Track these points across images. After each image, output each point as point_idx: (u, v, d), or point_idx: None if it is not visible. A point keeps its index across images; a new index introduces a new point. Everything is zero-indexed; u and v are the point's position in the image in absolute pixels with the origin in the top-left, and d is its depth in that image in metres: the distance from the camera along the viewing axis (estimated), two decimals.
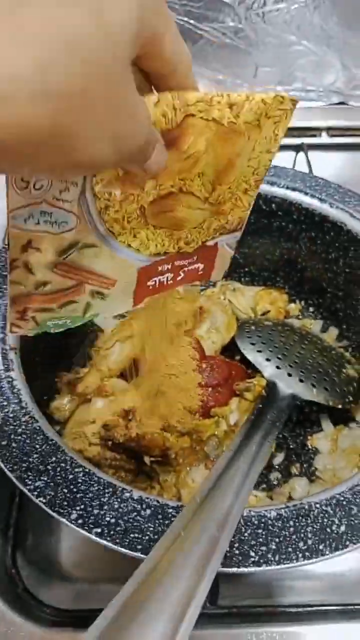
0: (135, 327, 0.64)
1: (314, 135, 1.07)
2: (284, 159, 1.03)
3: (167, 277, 0.46)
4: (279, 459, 0.62)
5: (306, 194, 0.67)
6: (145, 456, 0.55)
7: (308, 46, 1.02)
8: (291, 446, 0.64)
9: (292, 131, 1.05)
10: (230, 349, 0.67)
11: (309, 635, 0.53)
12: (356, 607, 0.56)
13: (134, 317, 0.66)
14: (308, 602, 0.57)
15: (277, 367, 0.61)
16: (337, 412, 0.65)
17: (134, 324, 0.65)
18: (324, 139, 1.07)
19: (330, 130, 1.07)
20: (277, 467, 0.62)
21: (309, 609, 0.56)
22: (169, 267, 0.45)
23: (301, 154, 1.00)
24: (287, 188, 0.67)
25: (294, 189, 0.67)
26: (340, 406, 0.60)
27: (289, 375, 0.60)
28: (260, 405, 0.55)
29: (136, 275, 0.43)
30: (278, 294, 0.74)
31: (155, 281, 0.45)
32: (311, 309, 0.75)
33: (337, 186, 0.67)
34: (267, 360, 0.61)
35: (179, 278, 0.47)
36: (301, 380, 0.60)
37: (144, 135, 0.29)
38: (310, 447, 0.64)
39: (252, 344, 0.64)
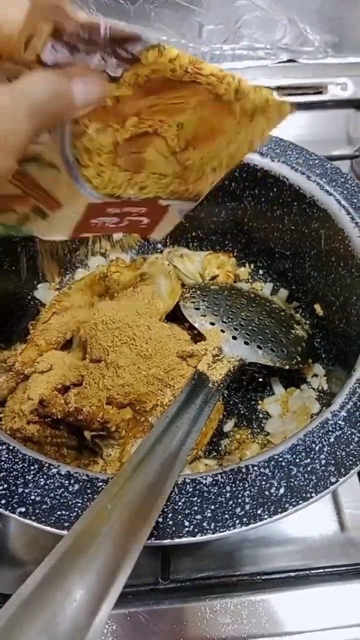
0: (74, 297, 0.61)
1: None
2: None
3: (112, 221, 0.46)
4: (229, 425, 0.61)
5: None
6: (85, 431, 0.53)
7: (253, 1, 0.98)
8: (242, 412, 0.62)
9: None
10: (177, 316, 0.64)
11: (267, 603, 0.52)
12: (313, 570, 0.55)
13: (73, 289, 0.63)
14: (270, 569, 0.56)
15: (222, 331, 0.58)
16: (289, 375, 0.63)
17: (72, 294, 0.61)
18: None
19: (280, 89, 1.04)
20: (227, 433, 0.60)
21: (266, 576, 0.54)
22: (118, 212, 0.45)
23: None
24: None
25: None
26: (287, 367, 0.58)
27: (234, 338, 0.58)
28: (200, 370, 0.53)
29: (84, 209, 0.43)
30: (226, 257, 0.72)
31: (100, 221, 0.45)
32: (261, 272, 0.73)
33: (278, 139, 0.65)
34: (211, 324, 0.59)
35: (121, 224, 0.47)
36: (246, 343, 0.57)
37: None
38: (261, 411, 0.62)
39: (197, 308, 0.61)
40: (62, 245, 0.70)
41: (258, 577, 0.54)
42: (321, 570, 0.55)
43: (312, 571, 0.55)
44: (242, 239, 0.72)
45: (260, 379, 0.64)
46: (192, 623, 0.51)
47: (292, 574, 0.55)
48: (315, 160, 0.62)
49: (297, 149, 0.64)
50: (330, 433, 0.42)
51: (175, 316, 0.63)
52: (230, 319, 0.60)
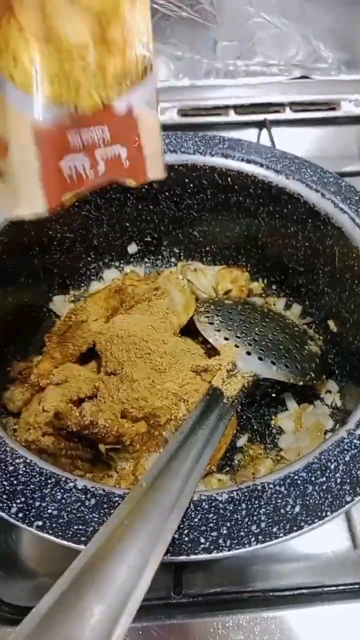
0: (90, 310, 0.62)
1: (277, 111, 1.05)
2: (247, 136, 1.01)
3: (84, 164, 0.36)
4: (242, 440, 0.61)
5: (262, 165, 0.64)
6: (100, 444, 0.53)
7: (267, 18, 0.99)
8: (255, 427, 0.62)
9: (255, 107, 1.03)
10: (191, 330, 0.64)
11: (279, 620, 0.52)
12: (325, 588, 0.55)
13: (89, 302, 0.63)
14: (278, 586, 0.56)
15: (236, 346, 0.58)
16: (302, 391, 0.63)
17: (89, 307, 0.62)
18: (287, 114, 1.04)
19: (293, 105, 1.05)
20: (240, 448, 0.60)
21: (278, 593, 0.54)
22: (79, 140, 0.35)
23: (264, 131, 0.98)
24: (243, 160, 0.65)
25: (249, 161, 0.65)
26: (301, 383, 0.58)
27: (248, 353, 0.58)
28: (215, 385, 0.53)
29: (34, 139, 0.33)
30: (239, 272, 0.72)
31: (70, 165, 0.35)
32: (274, 287, 0.73)
33: (293, 157, 0.65)
34: (226, 339, 0.59)
35: (99, 167, 0.37)
36: (260, 359, 0.58)
37: None
38: (274, 427, 0.62)
39: (211, 323, 0.62)
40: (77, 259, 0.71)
41: (270, 593, 0.55)
42: (333, 588, 0.55)
43: (324, 588, 0.55)
44: (256, 254, 0.73)
45: (274, 395, 0.64)
46: (204, 639, 0.51)
47: (305, 591, 0.55)
48: (329, 178, 0.63)
49: (312, 167, 0.64)
50: (345, 452, 0.42)
51: (189, 330, 0.64)
52: (244, 334, 0.60)
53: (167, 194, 0.69)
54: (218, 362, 0.57)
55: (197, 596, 0.54)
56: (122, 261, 0.75)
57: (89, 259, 0.72)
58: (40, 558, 0.58)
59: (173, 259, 0.77)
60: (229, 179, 0.66)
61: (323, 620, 0.52)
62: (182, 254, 0.76)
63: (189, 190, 0.68)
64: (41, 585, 0.57)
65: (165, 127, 0.98)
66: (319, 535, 0.59)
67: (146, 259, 0.76)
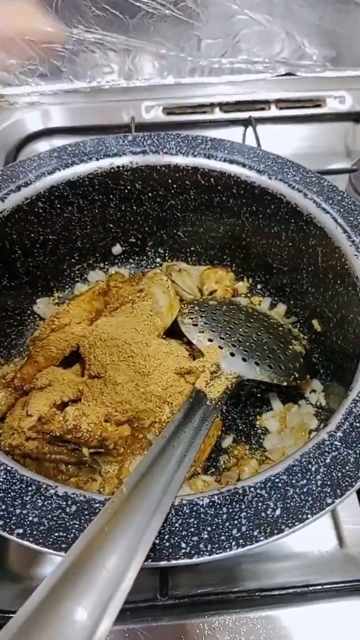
0: (73, 313, 0.62)
1: (263, 109, 1.04)
2: (233, 135, 1.01)
3: None
4: (227, 441, 0.61)
5: (244, 165, 0.64)
6: (83, 448, 0.53)
7: (251, 15, 0.99)
8: (240, 427, 0.62)
9: (240, 105, 1.03)
10: (175, 331, 0.64)
11: (266, 620, 0.52)
12: (312, 587, 0.55)
13: (72, 305, 0.63)
14: (265, 585, 0.56)
15: (220, 347, 0.58)
16: (287, 391, 0.63)
17: (71, 310, 0.62)
18: (273, 111, 1.04)
19: (279, 102, 1.05)
20: (226, 449, 0.60)
21: (265, 593, 0.54)
22: None
23: (250, 129, 0.97)
24: (225, 160, 0.65)
25: (231, 162, 0.64)
26: (285, 383, 0.58)
27: (232, 355, 0.58)
28: (198, 387, 0.53)
29: None
30: (224, 272, 0.72)
31: None
32: (259, 286, 0.73)
33: (275, 157, 0.65)
34: (210, 340, 0.59)
35: None
36: (244, 359, 0.58)
37: None
38: (259, 427, 0.62)
39: (195, 324, 0.61)
40: (61, 261, 0.70)
41: (257, 593, 0.55)
42: (319, 587, 0.55)
43: (310, 588, 0.55)
44: (241, 254, 0.73)
45: (259, 394, 0.65)
46: None
47: (291, 590, 0.55)
48: (312, 178, 0.63)
49: (294, 167, 0.64)
50: (326, 454, 0.42)
51: (174, 331, 0.64)
52: (228, 335, 0.60)
53: (150, 194, 0.69)
54: (202, 364, 0.57)
55: (183, 597, 0.54)
56: (106, 262, 0.75)
57: (73, 260, 0.72)
58: (26, 561, 0.58)
59: (158, 260, 0.76)
60: (211, 179, 0.66)
61: (310, 620, 0.53)
62: (166, 254, 0.76)
63: (172, 191, 0.68)
64: (26, 589, 0.57)
65: (151, 126, 0.99)
66: (306, 534, 0.58)
67: (131, 260, 0.76)
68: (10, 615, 0.53)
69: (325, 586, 0.55)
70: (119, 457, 0.54)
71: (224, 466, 0.59)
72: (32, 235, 0.64)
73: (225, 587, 0.56)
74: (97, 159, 0.64)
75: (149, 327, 0.59)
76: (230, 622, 0.52)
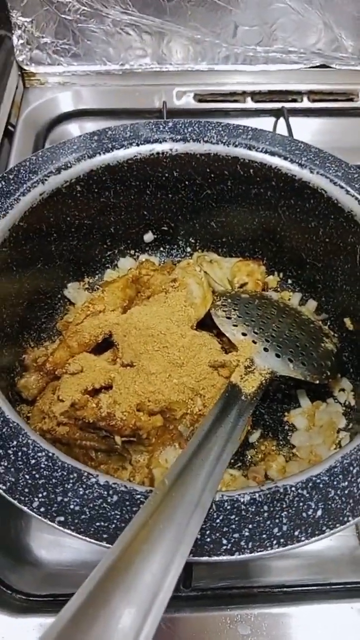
0: (107, 300, 0.61)
1: (295, 100, 1.03)
2: (263, 124, 1.00)
3: None
4: (255, 436, 0.60)
5: (286, 158, 0.63)
6: (116, 436, 0.53)
7: (289, 4, 0.97)
8: (268, 423, 0.62)
9: (272, 95, 1.02)
10: (206, 323, 0.64)
11: (286, 616, 0.52)
12: (333, 586, 0.55)
13: (106, 292, 0.62)
14: (285, 582, 0.56)
15: (254, 342, 0.58)
16: (315, 388, 0.63)
17: (106, 297, 0.61)
18: (305, 103, 1.03)
19: (311, 94, 1.04)
20: (253, 444, 0.60)
21: (286, 589, 0.55)
22: None
23: (281, 120, 0.96)
24: (266, 152, 0.64)
25: (272, 153, 0.64)
26: (317, 381, 0.58)
27: (266, 350, 0.58)
28: (234, 382, 0.53)
29: None
30: (256, 265, 0.71)
31: None
32: (290, 281, 0.73)
33: (317, 150, 0.64)
34: (244, 334, 0.59)
35: None
36: (278, 355, 0.57)
37: None
38: (287, 423, 0.62)
39: (228, 317, 0.61)
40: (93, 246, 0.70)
41: (278, 589, 0.55)
42: (340, 586, 0.56)
43: (331, 586, 0.56)
44: (273, 248, 0.72)
45: (286, 391, 0.64)
46: (212, 632, 0.51)
47: (313, 587, 0.55)
48: (354, 175, 0.62)
49: (337, 162, 0.63)
50: None
51: (204, 323, 0.63)
52: (261, 330, 0.60)
53: (187, 182, 0.68)
54: (236, 358, 0.56)
55: (206, 590, 0.54)
56: (137, 250, 0.74)
57: (105, 246, 0.71)
58: (50, 546, 0.58)
59: (189, 249, 0.76)
60: (251, 170, 0.65)
61: (330, 618, 0.53)
62: (198, 244, 0.75)
63: (210, 180, 0.67)
64: (50, 574, 0.57)
65: (181, 112, 0.98)
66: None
67: (161, 248, 0.75)
68: (36, 599, 0.54)
69: (347, 585, 0.56)
70: (150, 446, 0.54)
71: (250, 461, 0.59)
72: (69, 219, 0.63)
73: (243, 581, 0.56)
74: (138, 145, 0.63)
75: (183, 318, 0.59)
76: (252, 617, 0.52)
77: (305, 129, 1.00)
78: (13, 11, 0.94)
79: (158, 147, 0.64)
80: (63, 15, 0.94)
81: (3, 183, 0.58)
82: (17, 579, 0.55)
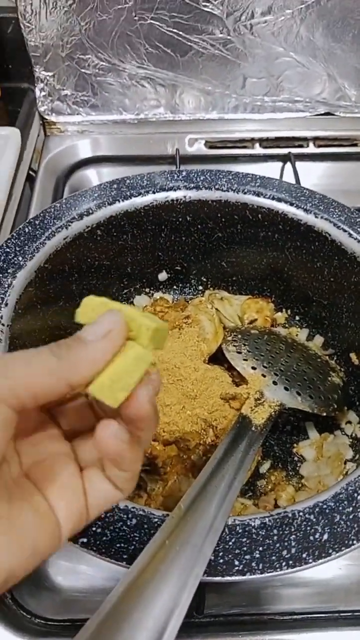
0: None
1: (301, 146, 1.08)
2: (271, 169, 1.05)
3: None
4: (265, 466, 0.63)
5: (292, 204, 0.67)
6: None
7: (295, 57, 1.03)
8: (277, 454, 0.65)
9: (279, 141, 1.07)
10: (218, 358, 0.67)
11: None
12: (342, 614, 0.57)
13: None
14: (295, 609, 0.57)
15: (263, 375, 0.61)
16: (323, 420, 0.66)
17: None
18: (311, 149, 1.08)
19: (317, 140, 1.09)
20: (263, 474, 0.63)
21: (296, 616, 0.56)
22: None
23: (288, 165, 1.01)
24: (273, 199, 0.68)
25: (279, 200, 0.68)
26: (324, 414, 0.61)
27: (275, 383, 0.61)
28: (244, 413, 0.56)
29: None
30: (264, 302, 0.75)
31: None
32: (297, 318, 0.76)
33: (321, 196, 0.68)
34: (253, 368, 0.62)
35: None
36: (286, 389, 0.61)
37: None
38: (296, 454, 0.65)
39: (239, 352, 0.64)
40: (111, 285, 0.74)
41: (289, 616, 0.57)
42: (349, 614, 0.57)
43: (340, 614, 0.57)
44: (281, 286, 0.76)
45: (295, 423, 0.67)
46: None
47: (322, 615, 0.57)
48: (357, 219, 0.66)
49: (340, 207, 0.67)
50: None
51: (215, 357, 0.67)
52: (270, 364, 0.63)
53: (199, 226, 0.72)
54: (246, 391, 0.59)
55: (219, 616, 0.56)
56: (152, 288, 0.78)
57: (122, 285, 0.76)
58: (67, 572, 0.60)
59: (200, 287, 0.80)
60: (259, 215, 0.69)
61: None
62: (209, 282, 0.79)
63: (221, 224, 0.72)
64: (67, 600, 0.59)
65: (193, 159, 1.04)
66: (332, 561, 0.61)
67: (175, 286, 0.79)
68: (54, 623, 0.56)
69: (355, 613, 0.57)
70: (165, 475, 0.57)
71: (261, 490, 0.61)
72: (89, 260, 0.68)
73: (254, 608, 0.58)
74: (154, 192, 0.68)
75: (196, 352, 0.62)
76: None
77: (312, 173, 1.05)
78: (36, 66, 1.01)
79: (173, 195, 0.69)
80: (83, 70, 1.01)
81: (30, 228, 0.62)
82: (36, 604, 0.57)
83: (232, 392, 0.59)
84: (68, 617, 0.56)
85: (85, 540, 0.41)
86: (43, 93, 1.04)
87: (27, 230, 0.62)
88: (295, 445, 0.65)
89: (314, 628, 0.55)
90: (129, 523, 0.42)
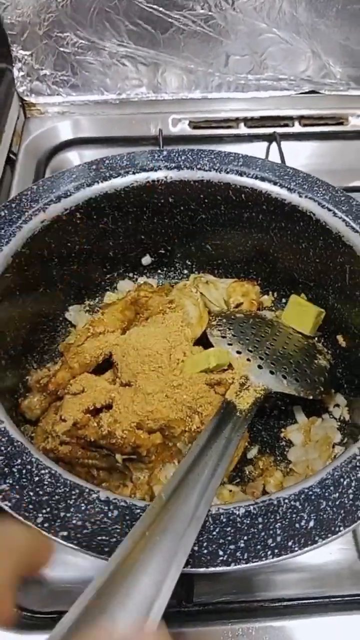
0: (107, 321, 0.63)
1: (287, 125, 1.06)
2: (257, 149, 1.03)
3: None
4: (253, 452, 0.62)
5: (275, 183, 0.66)
6: (117, 454, 0.54)
7: (278, 34, 1.01)
8: (265, 439, 0.64)
9: (264, 121, 1.05)
10: (202, 342, 0.66)
11: (287, 630, 0.53)
12: (333, 599, 0.56)
13: (106, 314, 0.65)
14: (286, 595, 0.57)
15: (248, 360, 0.60)
16: (311, 404, 0.65)
17: (106, 319, 0.63)
18: (296, 128, 1.06)
19: (302, 119, 1.07)
20: (251, 460, 0.62)
21: (287, 603, 0.56)
22: None
23: (274, 145, 0.99)
24: (257, 178, 0.66)
25: (263, 179, 0.66)
26: (311, 397, 0.60)
27: (260, 367, 0.60)
28: (229, 399, 0.55)
29: None
30: (250, 285, 0.74)
31: None
32: (284, 300, 0.75)
33: (305, 175, 0.67)
34: (238, 352, 0.61)
35: None
36: (272, 372, 0.59)
37: None
38: (284, 439, 0.64)
39: (223, 336, 0.63)
40: (93, 270, 0.72)
41: (279, 603, 0.56)
42: (339, 599, 0.56)
43: (331, 599, 0.57)
44: (267, 268, 0.74)
45: (283, 407, 0.66)
46: None
47: (313, 601, 0.56)
48: (341, 197, 0.64)
49: (324, 185, 0.66)
50: (357, 468, 0.44)
51: (200, 342, 0.65)
52: (255, 348, 0.62)
53: (182, 208, 0.70)
54: (231, 376, 0.58)
55: (208, 604, 0.55)
56: (136, 272, 0.77)
57: (104, 270, 0.74)
58: (53, 564, 0.59)
59: (185, 271, 0.78)
60: (243, 195, 0.67)
61: (330, 631, 0.54)
62: (194, 266, 0.78)
63: (204, 205, 0.70)
64: (53, 592, 0.58)
65: (177, 139, 1.01)
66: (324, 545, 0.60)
67: (159, 271, 0.78)
68: (42, 616, 0.55)
69: (345, 598, 0.57)
70: (150, 464, 0.56)
71: (249, 476, 0.61)
72: (69, 244, 0.66)
73: (243, 596, 0.57)
74: (134, 173, 0.66)
75: (179, 338, 0.61)
76: (253, 631, 0.53)
77: (297, 153, 1.03)
78: (13, 45, 0.98)
79: (153, 175, 0.67)
80: (61, 48, 0.98)
81: (5, 212, 0.60)
82: (22, 597, 0.56)
83: (217, 378, 0.58)
84: (55, 610, 0.55)
85: (65, 533, 0.40)
86: (21, 73, 1.01)
87: (2, 214, 0.60)
88: (283, 429, 0.64)
89: (305, 614, 0.55)
90: (110, 515, 0.41)
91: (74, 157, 0.99)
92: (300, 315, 0.69)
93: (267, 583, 0.59)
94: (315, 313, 0.67)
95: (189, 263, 0.78)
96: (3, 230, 0.58)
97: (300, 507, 0.42)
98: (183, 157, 0.68)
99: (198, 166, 0.67)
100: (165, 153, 0.68)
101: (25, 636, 0.53)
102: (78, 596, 0.56)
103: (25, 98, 1.02)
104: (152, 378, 0.57)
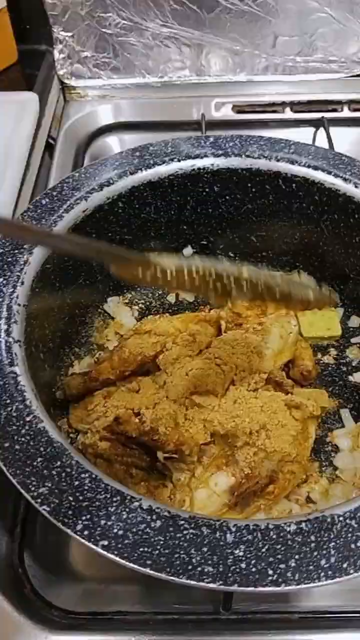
0: (158, 324, 0.61)
1: (335, 110, 1.02)
2: (303, 135, 0.98)
3: None
4: None
5: (329, 173, 0.62)
6: (158, 452, 0.52)
7: (330, 13, 0.96)
8: None
9: (312, 105, 1.01)
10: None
11: None
12: None
13: (162, 318, 0.63)
14: (326, 607, 0.54)
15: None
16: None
17: (160, 322, 0.61)
18: (346, 113, 1.02)
19: (352, 103, 1.02)
20: None
21: (327, 615, 0.53)
22: None
23: (321, 130, 0.95)
24: (309, 166, 0.63)
25: (316, 168, 0.63)
26: None
27: None
28: None
29: None
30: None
31: None
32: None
33: None
34: None
35: None
36: None
37: None
38: (330, 444, 0.60)
39: None
40: None
41: (319, 615, 0.53)
42: None
43: None
44: (315, 262, 0.71)
45: (329, 410, 0.63)
46: None
47: (355, 615, 0.53)
48: None
49: None
50: None
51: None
52: None
53: (227, 197, 0.67)
54: (312, 403, 0.56)
55: (247, 613, 0.53)
56: None
57: None
58: (88, 562, 0.58)
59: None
60: (293, 185, 0.64)
61: None
62: (237, 258, 0.75)
63: (251, 195, 0.67)
64: (88, 590, 0.56)
65: (220, 124, 0.98)
66: None
67: None
68: (75, 615, 0.53)
69: None
70: (192, 465, 0.53)
71: None
72: (110, 234, 0.64)
73: (284, 605, 0.55)
74: (179, 160, 0.63)
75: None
76: None
77: (346, 139, 0.98)
78: (55, 26, 0.95)
79: (199, 163, 0.64)
80: (103, 30, 0.95)
81: (47, 200, 0.58)
82: (57, 595, 0.55)
83: (297, 401, 0.55)
84: (90, 610, 0.54)
85: (105, 543, 0.38)
86: (62, 55, 0.99)
87: (44, 202, 0.58)
88: (329, 433, 0.61)
89: (347, 628, 0.52)
90: (152, 525, 0.38)
91: (114, 142, 0.97)
92: (321, 321, 0.67)
93: (307, 593, 0.56)
94: (334, 314, 0.67)
95: (232, 255, 0.75)
96: (44, 220, 0.56)
97: (356, 526, 0.39)
98: (231, 144, 0.65)
99: (247, 153, 0.64)
100: (212, 139, 0.65)
101: (59, 636, 0.52)
102: (112, 596, 0.56)
103: (66, 81, 1.00)
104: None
